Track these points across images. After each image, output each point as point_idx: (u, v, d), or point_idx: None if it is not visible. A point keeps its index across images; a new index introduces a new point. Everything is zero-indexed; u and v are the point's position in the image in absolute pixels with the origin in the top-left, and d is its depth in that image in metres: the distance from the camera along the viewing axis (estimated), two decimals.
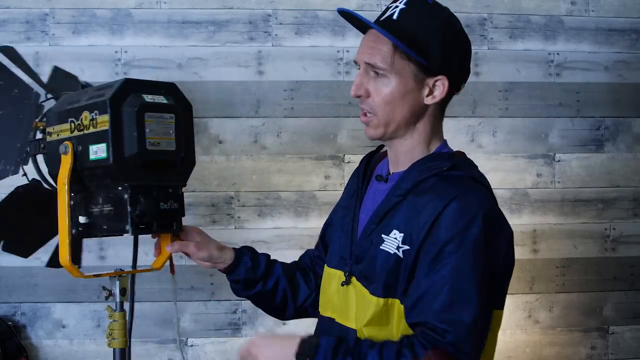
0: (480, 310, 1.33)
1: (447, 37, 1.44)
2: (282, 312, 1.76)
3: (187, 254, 1.61)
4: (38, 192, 1.51)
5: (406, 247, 1.39)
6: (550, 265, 2.72)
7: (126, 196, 1.38)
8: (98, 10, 2.59)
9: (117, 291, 1.47)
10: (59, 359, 2.58)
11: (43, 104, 1.50)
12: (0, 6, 2.55)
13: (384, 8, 1.47)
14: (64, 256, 1.35)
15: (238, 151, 2.64)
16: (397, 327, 1.40)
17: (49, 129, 1.43)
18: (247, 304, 2.61)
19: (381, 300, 1.41)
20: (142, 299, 2.55)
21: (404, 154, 1.49)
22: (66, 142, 1.38)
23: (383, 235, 1.43)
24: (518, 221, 2.69)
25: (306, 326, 2.70)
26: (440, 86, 1.43)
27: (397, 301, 1.40)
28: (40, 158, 1.48)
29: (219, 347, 2.63)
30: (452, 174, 1.43)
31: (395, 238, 1.41)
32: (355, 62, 1.47)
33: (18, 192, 1.45)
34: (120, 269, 1.50)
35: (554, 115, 2.74)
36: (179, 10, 2.62)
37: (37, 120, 1.47)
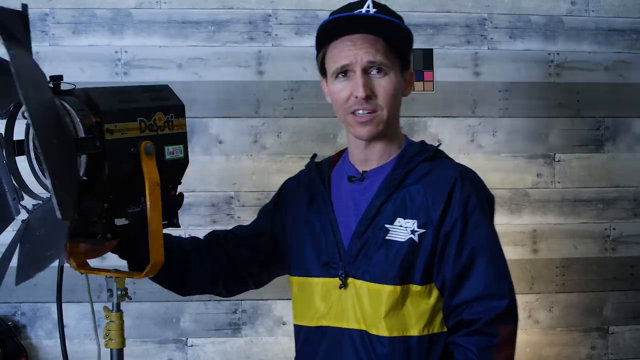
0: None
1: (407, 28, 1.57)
2: (180, 288, 1.74)
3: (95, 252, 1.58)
4: None
5: (422, 230, 1.47)
6: (550, 265, 2.72)
7: (173, 193, 1.48)
8: (98, 10, 2.60)
9: (114, 292, 1.47)
10: (59, 359, 2.57)
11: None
12: None
13: (365, 8, 1.52)
14: (161, 256, 1.39)
15: (238, 151, 2.64)
16: (412, 309, 1.48)
17: (109, 126, 1.33)
18: (247, 303, 2.61)
19: (397, 287, 1.47)
20: (142, 299, 2.55)
21: (383, 150, 1.58)
22: (147, 141, 1.38)
23: (387, 226, 1.49)
24: (518, 221, 2.70)
25: None
26: (411, 78, 1.59)
27: (413, 286, 1.48)
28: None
29: (219, 347, 2.63)
30: (438, 158, 1.58)
31: (401, 225, 1.48)
32: (342, 68, 1.51)
33: None
34: (116, 270, 1.50)
35: (554, 115, 2.74)
36: (179, 10, 2.62)
37: (90, 116, 1.35)
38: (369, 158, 1.58)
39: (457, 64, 2.70)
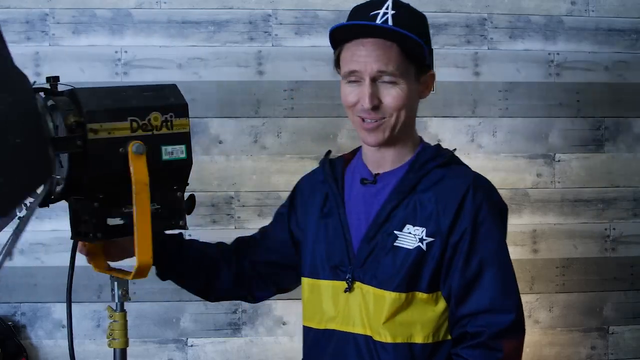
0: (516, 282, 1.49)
1: (427, 30, 1.54)
2: (206, 292, 1.77)
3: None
4: None
5: (430, 239, 1.44)
6: (550, 265, 2.72)
7: (179, 194, 1.47)
8: (98, 10, 2.60)
9: (116, 292, 1.47)
10: (59, 359, 2.58)
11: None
12: (0, 6, 2.55)
13: (383, 9, 1.49)
14: (149, 258, 1.37)
15: (238, 151, 2.64)
16: (417, 317, 1.46)
17: (92, 126, 1.36)
18: (247, 304, 2.61)
19: (402, 295, 1.44)
20: (142, 299, 2.55)
21: (396, 153, 1.54)
22: (137, 141, 1.38)
23: (396, 232, 1.47)
24: (518, 221, 2.69)
25: None
26: (431, 80, 1.53)
27: (418, 293, 1.46)
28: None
29: (219, 347, 2.63)
30: (453, 164, 1.54)
31: (410, 233, 1.45)
32: (351, 73, 1.48)
33: None
34: (122, 270, 1.50)
35: (554, 115, 2.74)
36: (179, 10, 2.62)
37: (70, 116, 1.38)
38: (382, 161, 1.55)
39: (457, 64, 2.70)
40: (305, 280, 1.62)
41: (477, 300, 1.43)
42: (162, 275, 1.71)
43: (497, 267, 1.44)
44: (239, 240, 1.81)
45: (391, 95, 1.45)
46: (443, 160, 1.52)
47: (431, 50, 1.53)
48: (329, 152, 1.70)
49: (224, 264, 1.73)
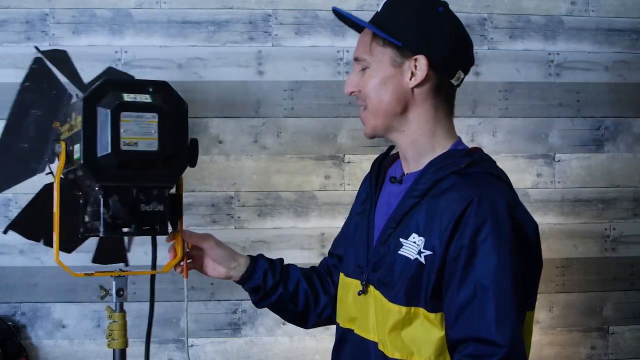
0: (519, 312, 1.30)
1: (424, 17, 1.42)
2: (305, 319, 1.71)
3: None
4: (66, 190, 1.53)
5: (428, 252, 1.33)
6: (550, 265, 2.71)
7: (100, 197, 1.37)
8: (98, 10, 2.59)
9: (115, 292, 1.47)
10: (59, 359, 2.57)
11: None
12: (0, 6, 2.55)
13: None
14: (55, 255, 1.38)
15: (238, 151, 2.64)
16: (422, 335, 1.35)
17: (61, 129, 1.47)
18: (247, 304, 2.60)
19: (403, 308, 1.36)
20: (142, 299, 2.54)
21: (409, 148, 1.45)
22: (61, 142, 1.41)
23: (401, 240, 1.38)
24: None
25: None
26: (420, 67, 1.39)
27: (421, 309, 1.35)
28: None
29: (219, 347, 2.63)
30: (471, 171, 1.38)
31: (415, 242, 1.35)
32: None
33: (47, 189, 1.49)
34: (120, 269, 1.50)
35: (554, 115, 2.74)
36: (179, 10, 2.62)
37: (56, 120, 1.52)
38: (407, 158, 1.47)
39: None
40: (340, 275, 1.58)
41: (466, 327, 1.28)
42: (258, 304, 1.68)
43: (491, 293, 1.27)
44: (325, 260, 1.76)
45: (362, 81, 1.44)
46: (457, 167, 1.38)
47: (426, 36, 1.40)
48: (390, 147, 1.59)
49: (321, 288, 1.69)
